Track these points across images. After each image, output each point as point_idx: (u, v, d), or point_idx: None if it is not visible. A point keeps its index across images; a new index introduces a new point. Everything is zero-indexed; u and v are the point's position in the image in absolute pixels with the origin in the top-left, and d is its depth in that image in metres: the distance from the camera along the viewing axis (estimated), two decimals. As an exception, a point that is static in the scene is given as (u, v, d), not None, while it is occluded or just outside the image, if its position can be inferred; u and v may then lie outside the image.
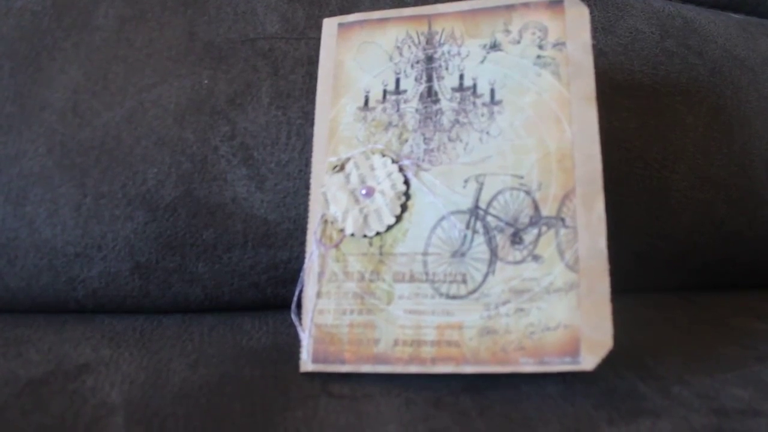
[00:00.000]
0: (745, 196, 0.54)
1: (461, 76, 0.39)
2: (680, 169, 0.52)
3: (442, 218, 0.37)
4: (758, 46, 0.60)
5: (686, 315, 0.47)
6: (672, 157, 0.52)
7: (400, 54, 0.41)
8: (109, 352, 0.39)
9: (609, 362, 0.32)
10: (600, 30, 0.55)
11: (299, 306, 0.38)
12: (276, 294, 0.46)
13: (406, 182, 0.38)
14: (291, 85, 0.46)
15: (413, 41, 0.41)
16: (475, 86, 0.39)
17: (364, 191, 0.38)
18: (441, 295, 0.35)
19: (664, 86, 0.54)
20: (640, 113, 0.52)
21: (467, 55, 0.40)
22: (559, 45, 0.38)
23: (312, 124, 0.41)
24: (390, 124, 0.39)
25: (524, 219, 0.35)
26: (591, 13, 0.55)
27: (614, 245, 0.49)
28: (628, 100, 0.52)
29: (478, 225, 0.36)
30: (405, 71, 0.40)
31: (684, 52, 0.56)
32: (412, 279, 0.36)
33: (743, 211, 0.54)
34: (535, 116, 0.37)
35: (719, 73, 0.57)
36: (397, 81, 0.40)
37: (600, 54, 0.53)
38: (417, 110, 0.39)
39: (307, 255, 0.38)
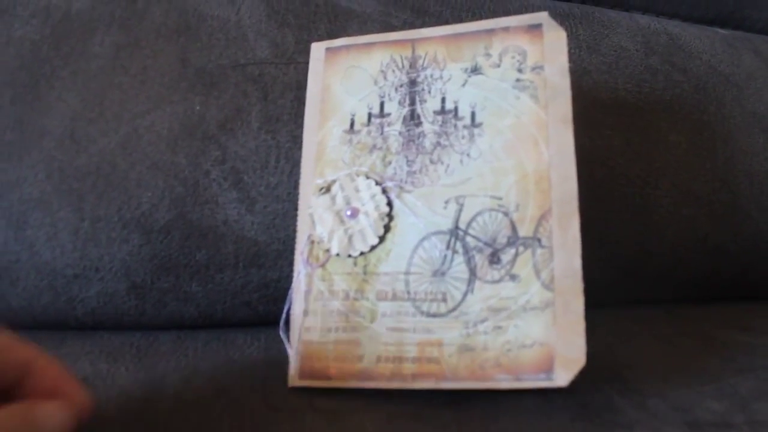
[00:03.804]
0: (729, 211, 0.55)
1: (443, 100, 0.40)
2: (663, 185, 0.53)
3: (424, 238, 0.38)
4: (743, 62, 0.61)
5: (670, 328, 0.48)
6: (655, 174, 0.53)
7: (385, 78, 0.42)
8: (106, 366, 0.40)
9: (589, 376, 0.32)
10: (585, 48, 0.56)
11: (288, 323, 0.39)
12: (267, 311, 0.47)
13: (389, 204, 0.39)
14: (280, 110, 0.48)
15: (397, 65, 0.42)
16: (456, 109, 0.40)
17: (349, 212, 0.39)
18: (422, 313, 0.36)
19: (648, 104, 0.55)
20: (624, 131, 0.53)
21: (449, 79, 0.41)
22: (537, 68, 0.39)
23: (300, 148, 0.42)
24: (374, 146, 0.40)
25: (502, 239, 0.36)
26: (576, 31, 0.56)
27: (599, 261, 0.50)
28: (612, 118, 0.54)
29: (458, 245, 0.37)
30: (389, 95, 0.41)
31: (668, 69, 0.57)
32: (395, 297, 0.37)
33: (727, 225, 0.55)
34: (514, 138, 0.38)
35: (703, 89, 0.58)
36: (382, 104, 0.41)
37: (584, 73, 0.55)
38: (400, 133, 0.40)
39: (295, 274, 0.39)
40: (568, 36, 0.39)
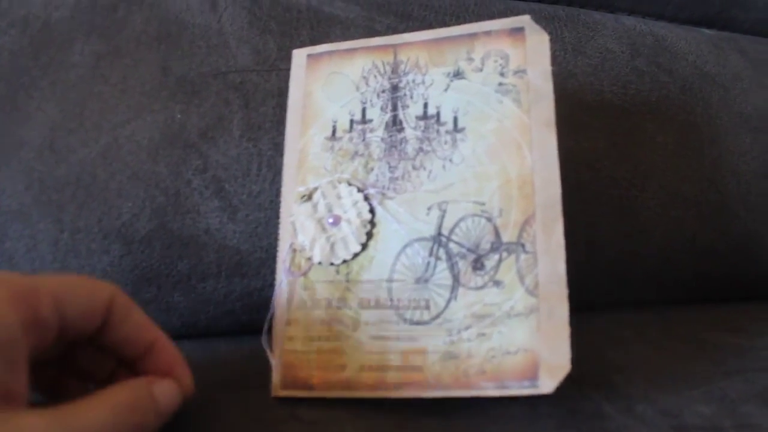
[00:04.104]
0: (717, 211, 0.55)
1: (425, 105, 0.40)
2: (650, 187, 0.53)
3: (406, 245, 0.37)
4: (729, 62, 0.61)
5: (659, 331, 0.48)
6: (642, 176, 0.53)
7: (367, 84, 0.42)
8: (89, 379, 0.39)
9: (577, 381, 0.32)
10: (570, 51, 0.56)
11: (271, 332, 0.39)
12: (251, 320, 0.46)
13: (372, 211, 0.38)
14: (261, 118, 0.47)
15: (379, 71, 0.42)
16: (438, 114, 0.40)
17: (330, 220, 0.39)
18: (405, 321, 0.36)
19: (634, 105, 0.55)
20: (610, 133, 0.53)
21: (431, 84, 0.40)
22: (519, 72, 0.39)
23: (282, 155, 0.42)
24: (356, 153, 0.40)
25: (485, 245, 0.36)
26: (561, 33, 0.56)
27: (586, 263, 0.50)
28: (598, 120, 0.53)
29: (441, 252, 0.37)
30: (371, 101, 0.41)
31: (654, 71, 0.57)
32: (378, 305, 0.37)
33: (715, 226, 0.55)
34: (497, 143, 0.38)
35: (689, 90, 0.58)
36: (364, 111, 0.41)
37: (570, 75, 0.54)
38: (382, 139, 0.40)
39: (277, 283, 0.39)
40: (552, 38, 0.39)
